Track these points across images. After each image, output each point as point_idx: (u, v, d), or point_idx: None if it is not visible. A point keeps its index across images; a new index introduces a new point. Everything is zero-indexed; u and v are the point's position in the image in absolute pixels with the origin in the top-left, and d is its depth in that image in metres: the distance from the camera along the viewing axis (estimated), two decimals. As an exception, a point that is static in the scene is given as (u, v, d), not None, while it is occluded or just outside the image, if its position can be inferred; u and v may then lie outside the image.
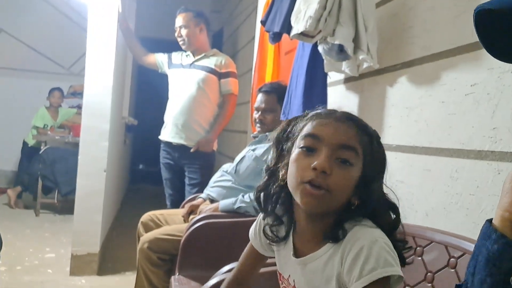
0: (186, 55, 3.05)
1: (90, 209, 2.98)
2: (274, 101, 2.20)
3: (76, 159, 2.99)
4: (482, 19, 0.55)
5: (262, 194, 0.95)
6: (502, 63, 1.12)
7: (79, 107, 4.92)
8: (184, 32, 2.98)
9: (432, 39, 1.42)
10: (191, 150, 2.91)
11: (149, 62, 3.20)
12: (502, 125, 1.11)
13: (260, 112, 2.22)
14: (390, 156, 1.60)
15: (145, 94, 6.74)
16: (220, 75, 2.97)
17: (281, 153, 0.93)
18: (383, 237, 0.81)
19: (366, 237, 0.80)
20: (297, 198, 0.85)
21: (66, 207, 4.49)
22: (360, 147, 0.85)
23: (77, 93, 5.49)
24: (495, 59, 1.15)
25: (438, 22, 1.39)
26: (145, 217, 2.30)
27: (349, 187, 0.84)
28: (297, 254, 0.92)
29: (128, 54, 4.27)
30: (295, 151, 0.87)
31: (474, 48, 1.23)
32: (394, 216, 0.88)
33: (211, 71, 2.94)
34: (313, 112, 0.93)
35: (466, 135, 1.23)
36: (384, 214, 0.87)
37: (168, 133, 3.00)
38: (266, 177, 0.95)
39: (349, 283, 0.79)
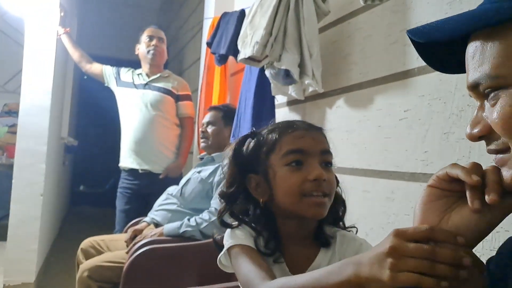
0: (138, 74, 2.92)
1: (25, 236, 2.81)
2: (218, 116, 2.24)
3: (10, 181, 2.82)
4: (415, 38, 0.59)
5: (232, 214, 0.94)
6: (431, 90, 1.20)
7: (14, 126, 4.67)
8: (162, 45, 2.91)
9: (369, 66, 1.49)
10: (160, 176, 2.77)
11: (93, 72, 3.01)
12: (432, 149, 1.18)
13: (204, 125, 2.26)
14: (331, 177, 1.65)
15: (86, 112, 6.52)
16: (178, 98, 2.90)
17: (246, 176, 0.94)
18: None
19: (356, 237, 0.95)
20: (301, 211, 0.89)
21: (-2, 233, 4.21)
22: (329, 148, 0.96)
23: (13, 112, 5.20)
24: (426, 87, 1.23)
25: (374, 50, 1.47)
26: (85, 243, 2.21)
27: None
28: (292, 270, 0.91)
29: (68, 70, 4.12)
30: (280, 170, 0.90)
31: (406, 76, 1.31)
32: (342, 208, 0.99)
33: (168, 92, 2.87)
34: (271, 128, 0.96)
35: (401, 158, 1.30)
36: (339, 209, 0.98)
37: (132, 160, 2.81)
38: (224, 203, 0.96)
39: None
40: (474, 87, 0.53)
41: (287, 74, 1.71)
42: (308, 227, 0.94)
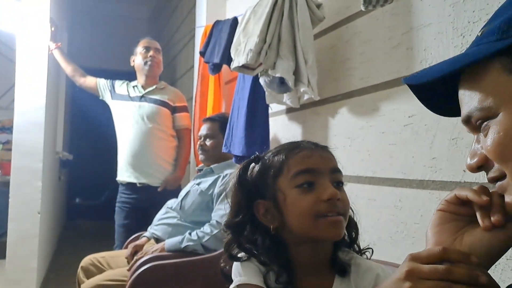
0: (133, 86, 2.88)
1: (24, 255, 2.76)
2: (215, 128, 2.21)
3: (6, 199, 2.77)
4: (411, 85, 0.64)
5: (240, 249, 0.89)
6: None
7: (8, 142, 4.61)
8: (158, 56, 2.88)
9: (370, 71, 1.46)
10: (159, 189, 2.73)
11: (88, 85, 2.97)
12: (441, 155, 1.15)
13: (202, 139, 2.22)
14: (336, 186, 1.61)
15: (79, 125, 6.48)
16: (174, 109, 2.87)
17: (253, 203, 0.89)
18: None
19: (372, 266, 0.89)
20: (317, 233, 0.84)
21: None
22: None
23: (6, 128, 5.15)
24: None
25: (375, 54, 1.44)
26: (86, 261, 2.16)
27: None
28: None
29: (60, 85, 4.08)
30: (291, 193, 0.85)
31: (409, 80, 1.28)
32: (355, 231, 0.94)
33: (164, 104, 2.83)
34: (276, 150, 0.92)
35: (407, 165, 1.27)
36: (351, 232, 0.94)
37: (130, 174, 2.76)
38: (230, 235, 0.90)
39: None
40: (467, 121, 0.57)
41: (282, 81, 1.68)
42: (323, 253, 0.89)
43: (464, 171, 1.07)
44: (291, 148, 0.90)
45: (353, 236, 0.93)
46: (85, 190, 6.92)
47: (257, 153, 0.95)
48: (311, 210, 0.83)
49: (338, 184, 0.88)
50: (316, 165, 0.87)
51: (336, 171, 0.89)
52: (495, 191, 0.56)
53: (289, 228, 0.87)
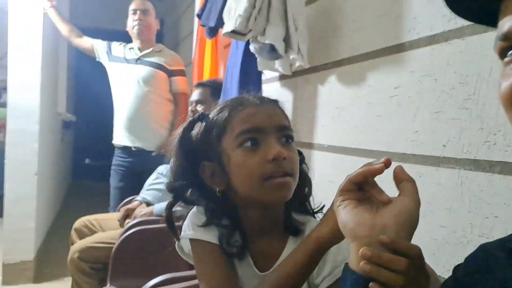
0: (130, 48, 2.82)
1: (21, 215, 2.80)
2: (207, 93, 2.17)
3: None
4: None
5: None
6: (422, 66, 1.12)
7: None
8: (147, 18, 2.77)
9: (359, 39, 1.41)
10: (153, 154, 2.70)
11: (84, 46, 2.91)
12: (423, 129, 1.11)
13: (193, 104, 2.19)
14: (322, 156, 1.59)
15: (86, 86, 6.45)
16: (171, 73, 2.81)
17: (198, 165, 0.85)
18: None
19: None
20: (264, 196, 0.80)
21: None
22: (288, 122, 0.86)
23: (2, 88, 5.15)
24: (417, 63, 1.15)
25: (365, 22, 1.38)
26: (79, 223, 2.20)
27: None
28: (259, 265, 0.84)
29: (60, 45, 4.03)
30: (235, 154, 0.80)
31: (397, 50, 1.23)
32: (307, 189, 0.90)
33: (160, 67, 2.77)
34: (220, 108, 0.87)
35: (391, 137, 1.23)
36: (304, 189, 0.89)
37: (125, 137, 2.73)
38: (173, 197, 0.89)
39: (320, 276, 0.79)
40: None
41: (272, 48, 1.63)
42: (274, 214, 0.85)
43: (444, 145, 1.04)
44: (235, 105, 0.84)
45: (306, 191, 0.89)
46: (94, 151, 6.98)
47: (203, 112, 0.90)
48: (257, 172, 0.79)
49: (288, 140, 0.83)
50: (261, 123, 0.81)
51: (284, 128, 0.83)
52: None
53: (235, 191, 0.83)
